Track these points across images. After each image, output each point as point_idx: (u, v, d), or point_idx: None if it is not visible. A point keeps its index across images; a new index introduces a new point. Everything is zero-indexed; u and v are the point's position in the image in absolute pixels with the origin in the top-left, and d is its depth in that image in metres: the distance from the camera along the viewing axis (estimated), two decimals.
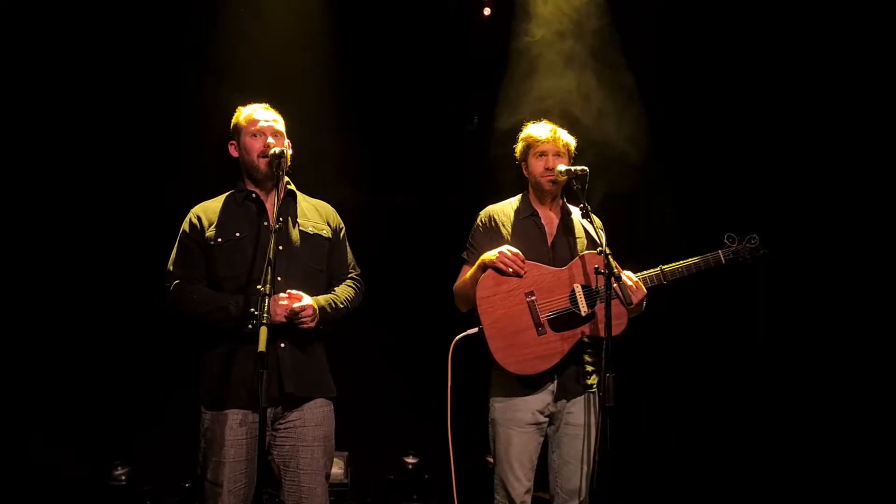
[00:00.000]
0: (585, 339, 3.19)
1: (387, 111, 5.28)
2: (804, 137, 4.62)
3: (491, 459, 5.06)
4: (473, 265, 3.29)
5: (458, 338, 3.20)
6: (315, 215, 3.15)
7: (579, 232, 3.36)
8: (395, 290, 5.03)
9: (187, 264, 2.94)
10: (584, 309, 3.15)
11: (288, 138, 3.10)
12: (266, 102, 3.13)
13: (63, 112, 4.81)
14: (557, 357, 3.13)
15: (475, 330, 3.18)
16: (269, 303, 2.56)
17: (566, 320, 3.16)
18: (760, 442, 4.74)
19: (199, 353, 2.95)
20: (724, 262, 3.24)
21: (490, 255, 3.20)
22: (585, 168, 3.20)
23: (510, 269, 3.15)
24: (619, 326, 3.07)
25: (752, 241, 3.27)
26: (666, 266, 3.22)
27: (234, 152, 3.07)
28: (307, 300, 2.86)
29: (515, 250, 3.17)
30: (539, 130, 3.38)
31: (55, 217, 4.89)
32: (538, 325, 3.15)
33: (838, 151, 4.53)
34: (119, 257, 4.92)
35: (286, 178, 3.04)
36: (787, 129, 4.67)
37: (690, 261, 3.23)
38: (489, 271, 3.19)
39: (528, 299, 3.17)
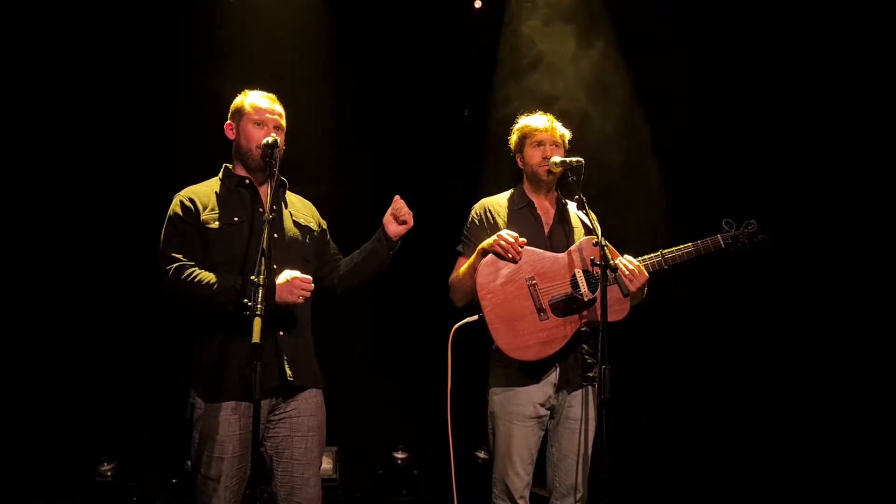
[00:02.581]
0: (585, 328, 3.18)
1: (380, 105, 5.28)
2: (802, 125, 4.65)
3: (481, 454, 5.10)
4: (469, 258, 3.26)
5: (457, 325, 3.16)
6: (303, 208, 3.14)
7: (575, 223, 3.36)
8: (386, 284, 4.99)
9: (184, 247, 2.85)
10: (586, 293, 3.13)
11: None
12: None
13: (54, 102, 4.77)
14: (561, 342, 3.10)
15: (475, 317, 3.15)
16: (262, 293, 2.51)
17: (568, 305, 3.13)
18: (758, 432, 4.75)
19: (191, 343, 2.88)
20: (723, 246, 3.23)
21: (488, 240, 3.17)
22: (580, 159, 3.18)
23: (509, 254, 3.12)
24: (621, 312, 3.07)
25: (750, 227, 3.27)
26: (666, 251, 3.21)
27: (230, 134, 3.02)
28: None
29: (514, 234, 3.14)
30: (536, 120, 3.37)
31: (37, 209, 4.83)
32: (540, 310, 3.12)
33: (835, 139, 4.56)
34: (104, 251, 4.87)
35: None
36: (785, 117, 4.69)
37: (689, 245, 3.22)
38: (489, 257, 3.15)
39: (529, 284, 3.13)
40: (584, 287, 3.14)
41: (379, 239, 3.09)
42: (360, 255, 3.12)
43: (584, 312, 3.14)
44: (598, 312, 3.05)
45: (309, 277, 2.78)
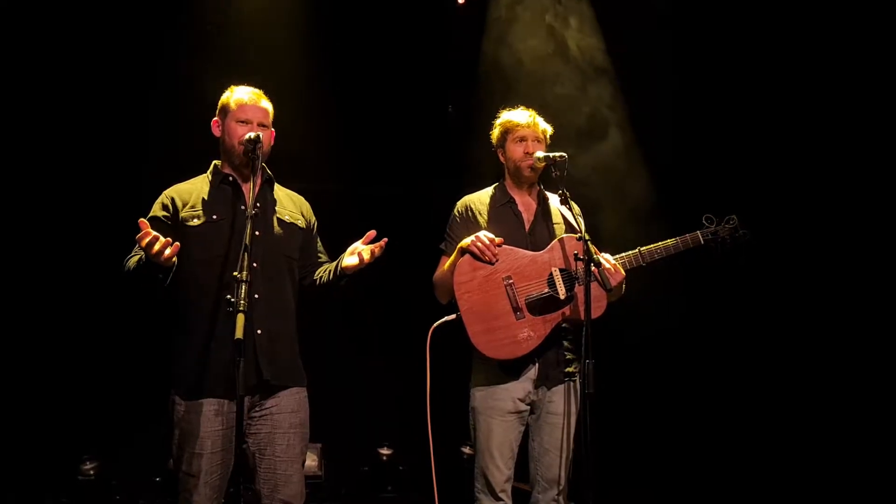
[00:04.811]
0: (564, 325, 3.18)
1: (364, 101, 5.27)
2: (785, 120, 4.65)
3: (465, 449, 5.12)
4: (451, 256, 3.26)
5: (435, 324, 3.17)
6: (291, 205, 3.12)
7: (557, 218, 3.36)
8: (371, 280, 4.98)
9: None
10: (562, 292, 3.14)
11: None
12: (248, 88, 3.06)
13: (43, 100, 4.73)
14: (536, 341, 3.11)
15: (453, 316, 3.16)
16: (245, 289, 2.50)
17: (545, 304, 3.14)
18: (742, 429, 4.77)
19: (172, 341, 2.87)
20: (702, 242, 3.24)
21: (467, 240, 3.18)
22: (564, 154, 3.19)
23: (486, 255, 3.13)
24: (597, 310, 3.06)
25: (731, 222, 3.26)
26: (644, 247, 3.22)
27: (216, 131, 3.02)
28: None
29: (491, 235, 3.15)
30: (518, 116, 3.37)
31: (24, 209, 4.80)
32: (516, 309, 3.13)
33: (818, 134, 4.56)
34: (87, 250, 4.84)
35: (263, 165, 2.99)
36: (768, 112, 4.69)
37: (668, 242, 3.23)
38: (466, 256, 3.17)
39: (505, 283, 3.15)
40: (560, 286, 3.15)
41: (336, 273, 3.01)
42: (327, 278, 3.06)
43: (561, 311, 3.15)
44: (576, 310, 3.11)
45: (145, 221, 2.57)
